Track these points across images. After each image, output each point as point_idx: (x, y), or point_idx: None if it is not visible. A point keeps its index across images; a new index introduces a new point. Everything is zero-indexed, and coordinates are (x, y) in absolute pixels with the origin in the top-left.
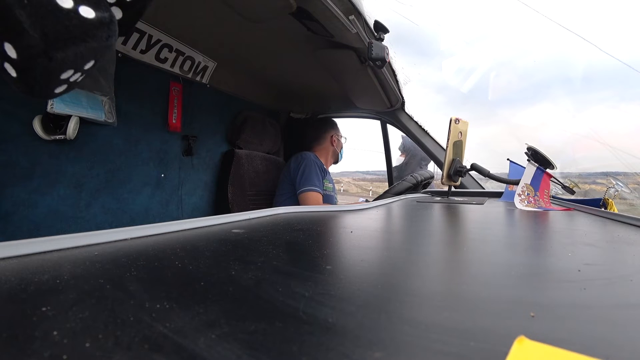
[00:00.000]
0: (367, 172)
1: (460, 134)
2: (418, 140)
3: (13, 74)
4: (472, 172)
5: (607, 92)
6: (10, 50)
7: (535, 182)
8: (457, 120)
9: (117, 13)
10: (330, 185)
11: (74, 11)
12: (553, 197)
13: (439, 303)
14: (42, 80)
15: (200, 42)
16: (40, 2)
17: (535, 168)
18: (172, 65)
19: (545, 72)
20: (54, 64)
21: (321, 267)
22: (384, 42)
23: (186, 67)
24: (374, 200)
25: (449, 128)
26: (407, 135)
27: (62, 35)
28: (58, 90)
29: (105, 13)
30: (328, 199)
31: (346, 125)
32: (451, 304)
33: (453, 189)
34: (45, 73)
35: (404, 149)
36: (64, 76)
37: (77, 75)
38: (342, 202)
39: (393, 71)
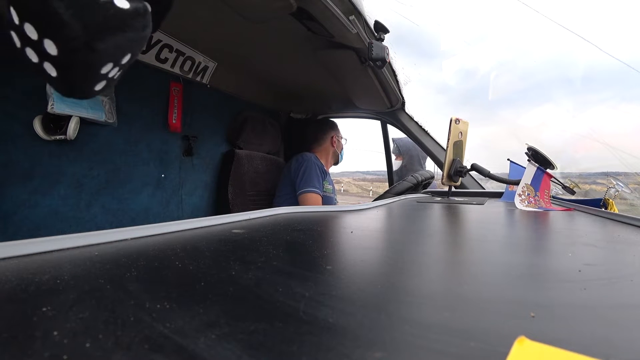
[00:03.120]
0: (367, 172)
1: (460, 134)
2: (418, 140)
3: (54, 73)
4: (473, 172)
5: (608, 92)
6: (51, 47)
7: (536, 182)
8: (457, 121)
9: (148, 5)
10: (330, 186)
11: (110, 1)
12: (553, 197)
13: (439, 303)
14: (83, 76)
15: (201, 42)
16: None
17: (535, 168)
18: (173, 66)
19: (545, 72)
20: (96, 55)
21: (321, 267)
22: (384, 42)
23: (186, 67)
24: (374, 201)
25: (449, 128)
26: (407, 135)
27: (102, 25)
28: (98, 87)
29: (139, 3)
30: (328, 200)
31: (346, 126)
32: (451, 304)
33: (453, 189)
34: (86, 67)
35: (399, 152)
36: (104, 70)
37: (116, 70)
38: (342, 203)
39: (393, 71)
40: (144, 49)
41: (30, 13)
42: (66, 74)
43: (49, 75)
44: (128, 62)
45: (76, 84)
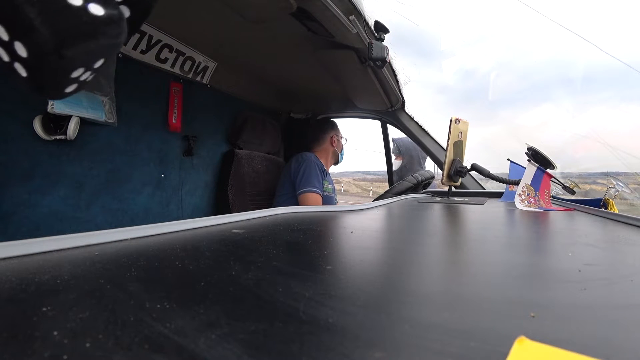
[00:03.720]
0: (368, 172)
1: (460, 134)
2: (418, 140)
3: (23, 73)
4: (473, 172)
5: (608, 92)
6: (21, 49)
7: (536, 182)
8: (457, 121)
9: (125, 11)
10: (330, 186)
11: (83, 8)
12: (553, 197)
13: (439, 303)
14: (53, 79)
15: (201, 42)
16: None
17: (535, 168)
18: (173, 66)
19: (545, 72)
20: (65, 62)
21: (321, 267)
22: (384, 42)
23: (186, 67)
24: (374, 201)
25: (449, 128)
26: (407, 135)
27: (73, 32)
28: (68, 89)
29: (114, 10)
30: (328, 200)
31: (346, 126)
32: (451, 304)
33: (453, 189)
34: (56, 71)
35: (399, 152)
36: (74, 75)
37: (87, 74)
38: (342, 203)
39: (393, 71)
40: (144, 48)
41: (1, 15)
42: (36, 75)
43: (20, 75)
44: (100, 66)
45: (46, 86)
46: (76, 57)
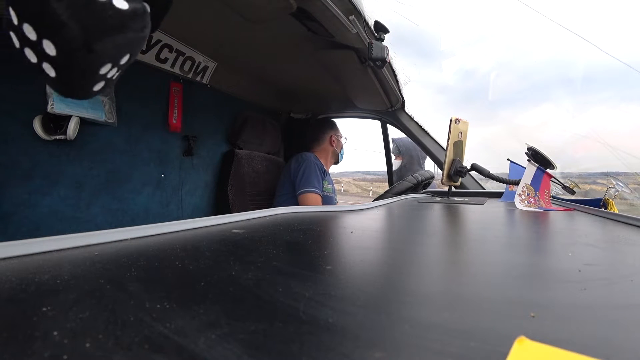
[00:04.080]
0: (367, 172)
1: (460, 134)
2: (418, 140)
3: (52, 73)
4: (473, 172)
5: (608, 92)
6: (49, 47)
7: (536, 182)
8: (457, 121)
9: (147, 6)
10: (329, 186)
11: (109, 2)
12: (553, 197)
13: (439, 303)
14: (82, 77)
15: (201, 42)
16: None
17: (535, 168)
18: (173, 66)
19: (545, 72)
20: (94, 56)
21: (321, 267)
22: (384, 42)
23: (186, 67)
24: (374, 201)
25: (449, 128)
26: (407, 135)
27: (100, 26)
28: (97, 87)
29: (138, 4)
30: (327, 200)
31: (346, 126)
32: (451, 304)
33: (453, 189)
34: (84, 68)
35: (399, 152)
36: (102, 71)
37: (114, 70)
38: (342, 203)
39: (393, 71)
40: (144, 48)
41: (29, 14)
42: (65, 74)
43: (48, 75)
44: (127, 62)
45: (75, 85)
46: (104, 51)
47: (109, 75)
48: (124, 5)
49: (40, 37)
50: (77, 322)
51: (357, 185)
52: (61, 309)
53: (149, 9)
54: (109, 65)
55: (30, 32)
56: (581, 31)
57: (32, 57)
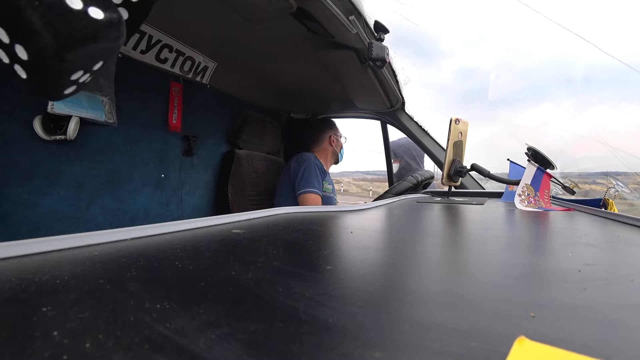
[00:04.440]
0: (367, 172)
1: (460, 134)
2: (418, 140)
3: (23, 75)
4: (472, 173)
5: (608, 92)
6: (21, 52)
7: (536, 183)
8: (457, 121)
9: (124, 14)
10: (329, 186)
11: (84, 12)
12: (553, 197)
13: (439, 303)
14: (53, 81)
15: (201, 42)
16: (51, 3)
17: (535, 168)
18: (173, 66)
19: (545, 72)
20: (66, 65)
21: (321, 267)
22: (384, 43)
23: (186, 67)
24: (374, 201)
25: (449, 128)
26: (407, 135)
27: (74, 36)
28: (68, 91)
29: (113, 14)
30: (327, 200)
31: (346, 126)
32: (451, 304)
33: (453, 189)
34: (56, 74)
35: (395, 156)
36: (74, 77)
37: (86, 76)
38: (342, 203)
39: (393, 71)
40: (144, 49)
41: (3, 19)
42: (36, 77)
43: (20, 76)
44: (100, 68)
45: (46, 87)
46: (76, 60)
47: (80, 81)
48: (99, 15)
49: (12, 42)
50: (77, 322)
51: (357, 185)
52: (61, 309)
53: (125, 17)
54: (80, 72)
55: (3, 35)
56: (581, 31)
57: (5, 58)
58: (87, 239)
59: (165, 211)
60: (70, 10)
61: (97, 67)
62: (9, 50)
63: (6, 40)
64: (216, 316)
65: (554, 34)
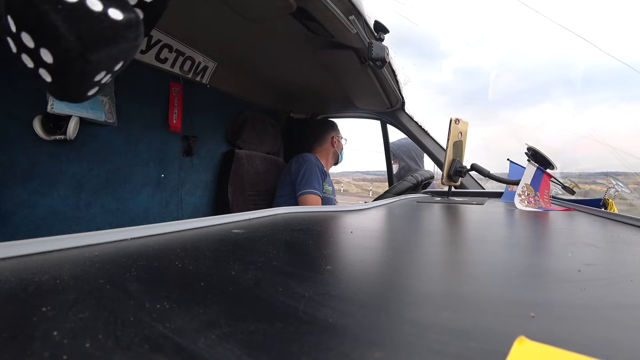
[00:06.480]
0: (367, 172)
1: (460, 134)
2: (418, 140)
3: (48, 79)
4: (472, 172)
5: (607, 92)
6: (47, 56)
7: (536, 182)
8: (457, 121)
9: (139, 14)
10: (329, 188)
11: (104, 13)
12: (553, 197)
13: (439, 303)
14: (77, 83)
15: (200, 42)
16: (73, 6)
17: (535, 168)
18: (172, 66)
19: (545, 72)
20: (90, 66)
21: (321, 267)
22: (384, 43)
23: (186, 67)
24: (374, 201)
25: (449, 128)
26: (407, 135)
27: (96, 37)
28: (91, 92)
29: (131, 14)
30: (327, 201)
31: (346, 126)
32: (451, 304)
33: (453, 189)
34: (80, 75)
35: (394, 157)
36: (97, 78)
37: (108, 76)
38: (342, 203)
39: (393, 71)
40: (144, 49)
41: (28, 24)
42: (61, 80)
43: (44, 80)
44: (120, 68)
45: (70, 90)
46: (100, 61)
47: (102, 81)
48: (119, 16)
49: (37, 46)
50: (77, 322)
51: (357, 185)
52: (61, 309)
53: (142, 17)
54: (103, 73)
55: (28, 40)
56: (581, 31)
57: (29, 63)
58: (87, 239)
59: (165, 211)
60: (92, 12)
61: (118, 67)
62: (34, 54)
63: (31, 44)
64: (216, 316)
65: (554, 34)
